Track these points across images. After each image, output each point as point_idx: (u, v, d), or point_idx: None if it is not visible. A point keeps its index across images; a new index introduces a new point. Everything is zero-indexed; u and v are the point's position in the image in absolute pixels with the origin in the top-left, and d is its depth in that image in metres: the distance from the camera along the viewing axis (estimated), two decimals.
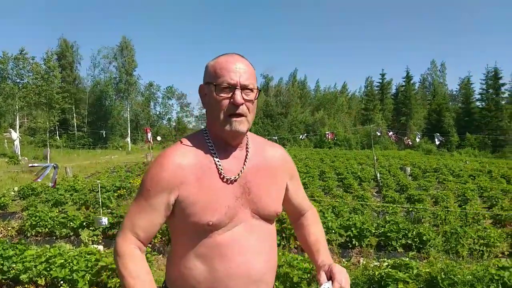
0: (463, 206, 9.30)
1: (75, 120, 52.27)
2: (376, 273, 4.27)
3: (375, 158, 17.85)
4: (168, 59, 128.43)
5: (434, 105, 60.24)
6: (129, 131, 52.76)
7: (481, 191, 12.19)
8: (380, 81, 67.69)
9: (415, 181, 15.11)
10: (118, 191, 10.91)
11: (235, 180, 1.33)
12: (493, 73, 56.04)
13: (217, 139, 1.36)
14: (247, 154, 1.39)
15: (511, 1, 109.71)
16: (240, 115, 1.28)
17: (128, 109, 54.86)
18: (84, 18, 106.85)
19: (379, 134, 36.23)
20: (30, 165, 12.64)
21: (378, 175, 14.57)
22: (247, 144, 1.43)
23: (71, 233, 6.90)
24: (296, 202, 1.60)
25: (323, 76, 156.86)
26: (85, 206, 9.20)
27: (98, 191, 9.60)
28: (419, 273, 4.25)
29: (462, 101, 62.50)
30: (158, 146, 46.61)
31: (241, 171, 1.35)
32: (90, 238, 6.33)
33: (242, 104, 1.27)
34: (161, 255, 5.99)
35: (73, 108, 50.62)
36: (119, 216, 6.82)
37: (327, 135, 32.26)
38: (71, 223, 6.92)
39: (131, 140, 51.27)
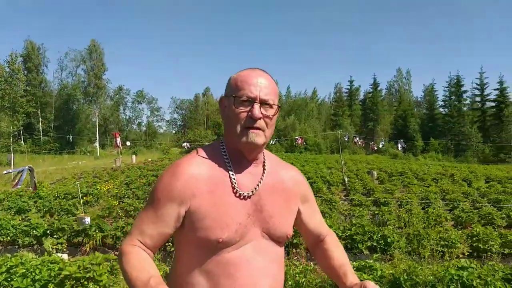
0: (426, 209, 9.63)
1: (40, 124, 50.58)
2: None
3: (343, 162, 18.26)
4: (139, 63, 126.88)
5: (400, 111, 62.03)
6: (97, 136, 51.63)
7: (444, 194, 12.64)
8: (349, 87, 69.14)
9: (382, 184, 15.50)
10: (85, 197, 10.66)
11: (249, 197, 1.28)
12: (456, 80, 58.27)
13: (233, 152, 1.32)
14: (264, 171, 1.36)
15: (472, 12, 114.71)
16: (257, 128, 1.25)
17: (97, 113, 53.72)
18: (52, 21, 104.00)
19: (346, 139, 36.93)
20: (4, 172, 12.24)
21: (346, 179, 14.88)
22: (264, 161, 1.39)
23: (34, 242, 6.71)
24: (312, 226, 1.53)
25: (293, 82, 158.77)
26: (50, 213, 8.95)
27: (67, 197, 9.39)
28: (383, 275, 4.39)
29: (427, 108, 64.68)
30: (128, 151, 45.79)
31: (255, 187, 1.30)
32: (54, 247, 6.17)
33: (260, 118, 1.24)
34: None
35: (39, 112, 49.08)
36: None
37: (297, 140, 32.60)
38: (34, 231, 6.72)
39: (99, 145, 50.17)
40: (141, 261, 1.20)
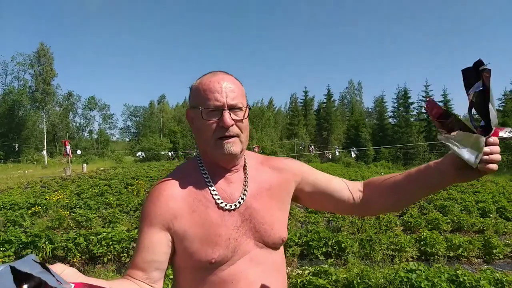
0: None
1: None
2: (299, 281, 4.46)
3: None
4: (90, 68, 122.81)
5: (352, 121, 64.15)
6: (45, 144, 49.32)
7: None
8: (304, 97, 70.65)
9: None
10: (33, 208, 10.15)
11: (234, 210, 1.21)
12: (403, 92, 61.14)
13: (211, 165, 1.25)
14: (245, 177, 1.28)
15: (420, 27, 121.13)
16: (231, 136, 1.18)
17: (45, 120, 51.33)
18: None
19: (302, 148, 37.61)
20: None
21: None
22: (244, 165, 1.31)
23: None
24: (332, 185, 1.36)
25: (250, 91, 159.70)
26: None
27: (13, 207, 8.91)
28: (338, 279, 4.53)
29: (377, 118, 67.34)
30: (78, 160, 44.06)
31: (241, 198, 1.23)
32: (1, 260, 5.83)
33: (232, 125, 1.16)
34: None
35: None
36: (33, 235, 6.38)
37: (254, 148, 32.83)
38: None
39: (47, 153, 47.88)
40: (123, 282, 1.12)
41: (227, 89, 1.18)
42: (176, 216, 1.17)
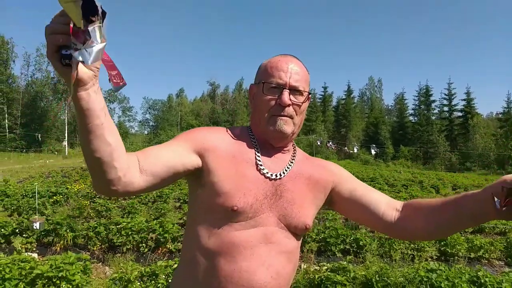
0: None
1: (6, 121, 48.85)
2: (316, 276, 4.44)
3: None
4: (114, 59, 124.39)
5: (371, 118, 63.51)
6: (66, 135, 50.27)
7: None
8: (323, 93, 70.15)
9: None
10: (54, 197, 10.37)
11: (272, 179, 1.21)
12: (425, 90, 60.15)
13: (260, 140, 1.27)
14: (291, 159, 1.29)
15: (442, 25, 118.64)
16: (286, 116, 1.20)
17: (66, 111, 52.30)
18: (19, 14, 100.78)
19: (319, 144, 37.45)
20: None
21: None
22: (294, 151, 1.33)
23: (3, 241, 6.46)
24: (369, 196, 1.32)
25: None
26: (18, 212, 8.66)
27: (35, 196, 9.12)
28: (356, 276, 4.49)
29: (397, 116, 66.43)
30: None
31: (282, 172, 1.24)
32: (23, 246, 5.98)
33: (289, 105, 1.19)
34: (100, 263, 5.80)
35: (5, 108, 47.38)
36: (55, 223, 6.52)
37: None
38: (2, 230, 6.49)
39: (68, 144, 48.86)
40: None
41: (293, 71, 1.21)
42: (215, 150, 1.19)
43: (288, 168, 1.26)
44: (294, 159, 1.30)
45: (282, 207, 1.21)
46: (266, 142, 1.26)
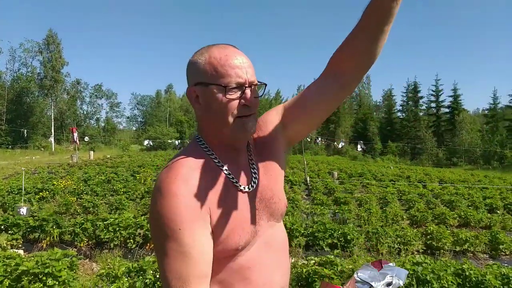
0: (384, 208, 9.98)
1: None
2: (304, 270, 4.47)
3: (305, 163, 18.63)
4: (98, 56, 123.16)
5: (360, 115, 63.83)
6: (52, 131, 49.62)
7: (400, 194, 13.13)
8: None
9: (342, 185, 15.88)
10: (40, 193, 10.25)
11: (249, 192, 1.14)
12: (413, 86, 60.57)
13: (219, 147, 1.15)
14: (250, 156, 1.22)
15: (430, 20, 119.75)
16: (252, 114, 1.12)
17: (52, 107, 51.60)
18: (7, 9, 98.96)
19: (309, 140, 37.58)
20: None
21: (308, 179, 15.11)
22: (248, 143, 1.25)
23: None
24: (304, 93, 1.27)
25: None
26: (3, 208, 8.54)
27: (21, 192, 8.99)
28: (343, 270, 4.52)
29: (385, 112, 66.83)
30: (85, 147, 44.35)
31: (254, 178, 1.17)
32: (9, 242, 5.91)
33: (254, 103, 1.11)
34: (87, 260, 5.76)
35: None
36: (41, 219, 6.44)
37: None
38: None
39: (55, 140, 48.25)
40: None
41: (245, 65, 1.09)
42: (209, 203, 1.05)
43: (254, 168, 1.19)
44: (250, 151, 1.23)
45: (267, 207, 1.18)
46: (226, 149, 1.15)
